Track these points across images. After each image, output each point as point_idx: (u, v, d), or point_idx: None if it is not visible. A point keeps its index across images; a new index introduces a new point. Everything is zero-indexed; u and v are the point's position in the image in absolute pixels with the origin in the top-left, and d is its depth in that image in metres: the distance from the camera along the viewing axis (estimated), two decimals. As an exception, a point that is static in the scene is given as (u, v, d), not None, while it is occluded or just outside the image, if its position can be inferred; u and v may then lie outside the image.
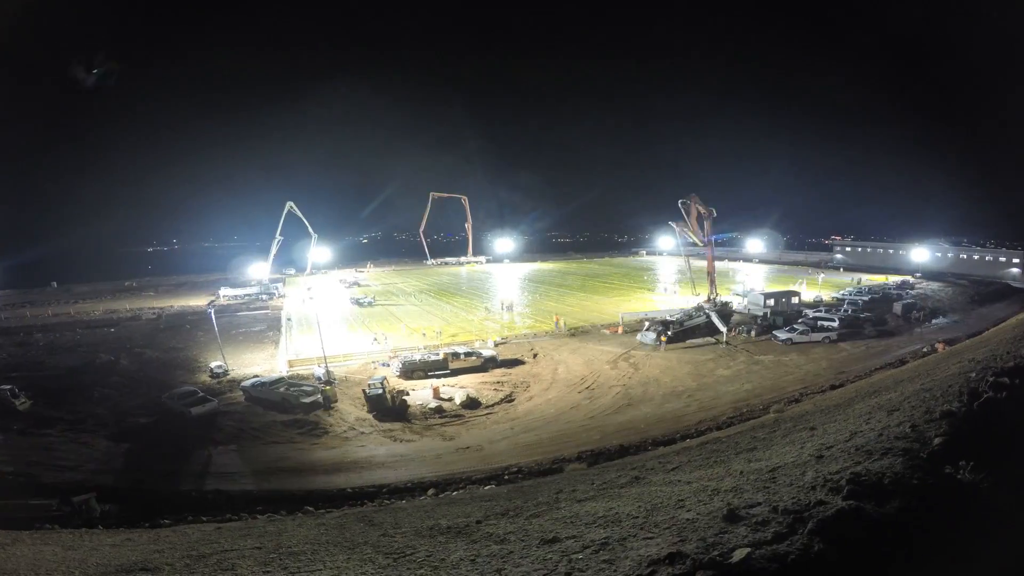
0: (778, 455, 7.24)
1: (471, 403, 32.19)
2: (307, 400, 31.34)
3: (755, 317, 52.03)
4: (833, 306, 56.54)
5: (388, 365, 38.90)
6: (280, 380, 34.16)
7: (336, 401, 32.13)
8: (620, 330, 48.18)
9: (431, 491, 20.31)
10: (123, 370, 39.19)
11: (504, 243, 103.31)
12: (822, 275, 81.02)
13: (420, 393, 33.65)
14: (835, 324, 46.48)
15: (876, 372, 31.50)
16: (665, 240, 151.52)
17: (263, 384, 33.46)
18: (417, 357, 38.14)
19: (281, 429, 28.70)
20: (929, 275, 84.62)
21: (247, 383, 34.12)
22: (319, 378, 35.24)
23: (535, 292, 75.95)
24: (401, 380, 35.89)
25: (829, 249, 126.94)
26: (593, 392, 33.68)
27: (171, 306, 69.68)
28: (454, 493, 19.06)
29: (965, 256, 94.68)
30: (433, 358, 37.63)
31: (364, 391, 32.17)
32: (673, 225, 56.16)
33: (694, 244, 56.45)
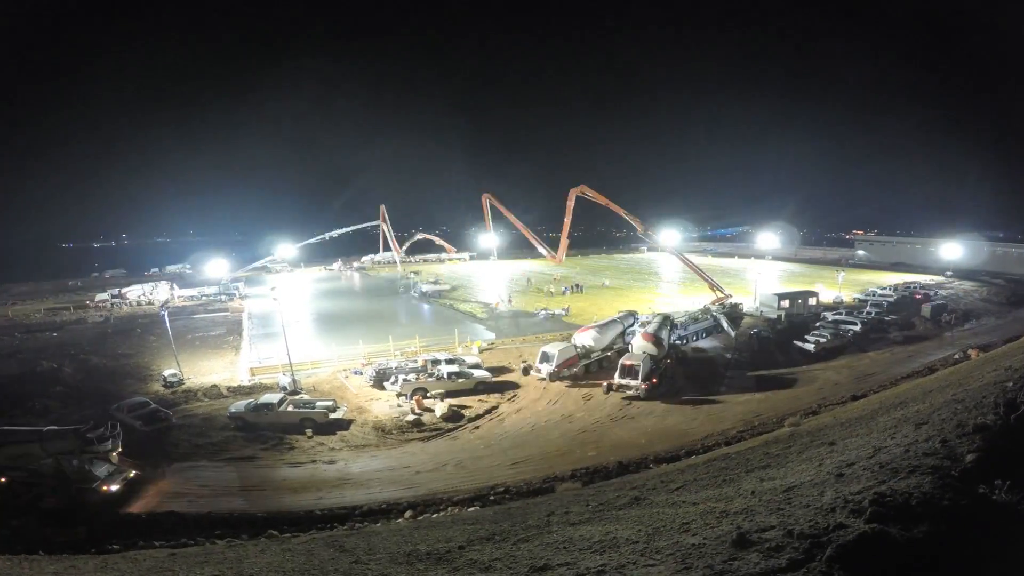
0: (793, 473, 7.23)
1: (453, 415, 32.14)
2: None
3: (768, 320, 52.36)
4: (855, 308, 56.92)
5: (361, 373, 38.71)
6: (283, 398, 31.76)
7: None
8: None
9: (408, 513, 20.18)
10: (67, 379, 38.67)
11: (489, 238, 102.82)
12: (842, 273, 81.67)
13: (389, 405, 33.61)
14: (856, 328, 46.78)
15: (902, 381, 31.66)
16: (669, 235, 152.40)
17: (266, 407, 30.45)
18: (393, 364, 37.97)
19: (243, 444, 28.50)
20: (961, 274, 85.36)
21: (238, 408, 31.13)
22: (283, 388, 34.92)
23: (529, 292, 75.92)
24: (374, 390, 35.85)
25: (850, 245, 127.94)
26: (588, 403, 33.69)
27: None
28: (434, 515, 18.96)
29: (1002, 252, 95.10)
30: (411, 366, 37.45)
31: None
32: None
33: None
